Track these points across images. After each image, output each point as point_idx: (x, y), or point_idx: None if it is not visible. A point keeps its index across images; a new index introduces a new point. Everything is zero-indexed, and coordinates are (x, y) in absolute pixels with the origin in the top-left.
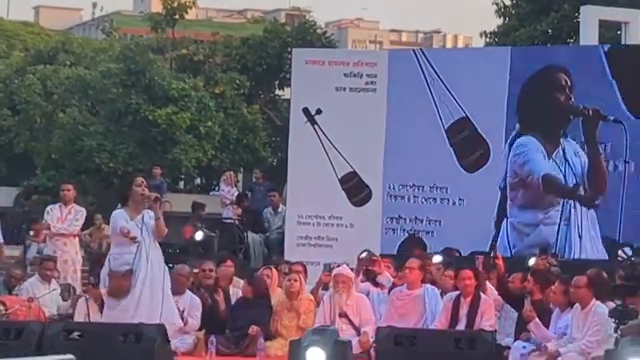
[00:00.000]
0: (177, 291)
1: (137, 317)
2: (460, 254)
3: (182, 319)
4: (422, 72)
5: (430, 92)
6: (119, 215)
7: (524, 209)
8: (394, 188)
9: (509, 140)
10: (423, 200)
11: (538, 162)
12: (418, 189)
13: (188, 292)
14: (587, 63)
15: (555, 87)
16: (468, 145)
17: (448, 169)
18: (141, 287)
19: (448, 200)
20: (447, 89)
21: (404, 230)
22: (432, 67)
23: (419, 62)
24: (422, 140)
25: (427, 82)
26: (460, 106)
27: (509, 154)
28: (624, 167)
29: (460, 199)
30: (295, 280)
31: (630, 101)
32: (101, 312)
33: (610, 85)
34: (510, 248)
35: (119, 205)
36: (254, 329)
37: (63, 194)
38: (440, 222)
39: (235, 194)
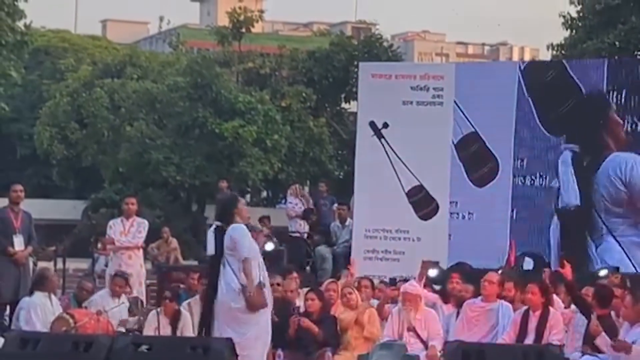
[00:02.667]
0: None
1: (269, 331)
2: (471, 268)
3: None
4: None
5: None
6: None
7: None
8: None
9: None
10: None
11: None
12: None
13: None
14: None
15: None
16: (476, 160)
17: (458, 183)
18: (269, 300)
19: (457, 214)
20: (457, 105)
21: None
22: None
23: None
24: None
25: None
26: (469, 121)
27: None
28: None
29: (469, 213)
30: (350, 293)
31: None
32: (172, 326)
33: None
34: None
35: (220, 223)
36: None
37: (127, 207)
38: (450, 236)
39: (302, 207)
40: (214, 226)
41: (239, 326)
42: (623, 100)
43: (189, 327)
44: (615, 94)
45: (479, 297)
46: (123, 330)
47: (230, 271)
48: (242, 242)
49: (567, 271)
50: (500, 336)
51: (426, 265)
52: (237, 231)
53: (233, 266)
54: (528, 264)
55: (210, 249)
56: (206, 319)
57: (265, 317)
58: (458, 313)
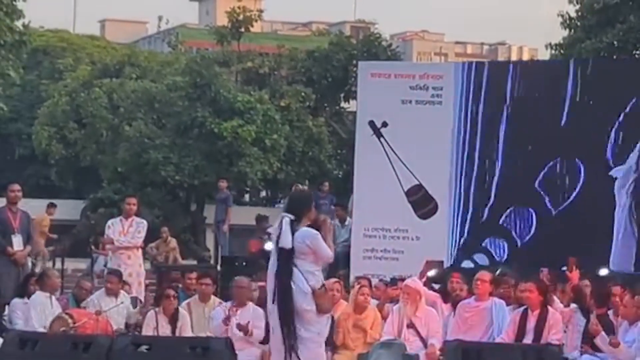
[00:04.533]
0: (239, 303)
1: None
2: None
3: (247, 330)
4: None
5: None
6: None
7: None
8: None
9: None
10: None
11: None
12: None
13: (250, 303)
14: None
15: None
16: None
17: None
18: None
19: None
20: None
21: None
22: None
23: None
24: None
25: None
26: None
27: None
28: None
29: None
30: (368, 294)
31: None
32: (171, 325)
33: None
34: None
35: (294, 217)
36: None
37: (129, 207)
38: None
39: None
40: (288, 219)
41: (311, 325)
42: None
43: (187, 326)
44: None
45: (472, 297)
46: (123, 328)
47: (299, 273)
48: (321, 247)
49: (574, 275)
50: (496, 334)
51: (430, 264)
52: (314, 239)
53: (302, 268)
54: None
55: (287, 242)
56: (289, 316)
57: (327, 317)
58: None
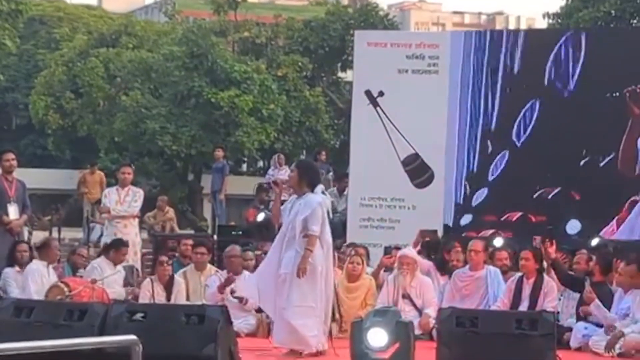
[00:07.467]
0: (233, 272)
1: None
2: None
3: (242, 299)
4: None
5: None
6: None
7: None
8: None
9: None
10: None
11: None
12: None
13: (245, 272)
14: None
15: None
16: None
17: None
18: None
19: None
20: None
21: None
22: None
23: None
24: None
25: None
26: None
27: None
28: None
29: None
30: (358, 264)
31: None
32: (167, 292)
33: None
34: None
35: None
36: None
37: (124, 177)
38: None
39: (275, 177)
40: None
41: None
42: None
43: (182, 293)
44: None
45: (467, 267)
46: (124, 294)
47: None
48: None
49: (552, 250)
50: (492, 302)
51: (423, 233)
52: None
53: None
54: (498, 242)
55: None
56: None
57: None
58: None
